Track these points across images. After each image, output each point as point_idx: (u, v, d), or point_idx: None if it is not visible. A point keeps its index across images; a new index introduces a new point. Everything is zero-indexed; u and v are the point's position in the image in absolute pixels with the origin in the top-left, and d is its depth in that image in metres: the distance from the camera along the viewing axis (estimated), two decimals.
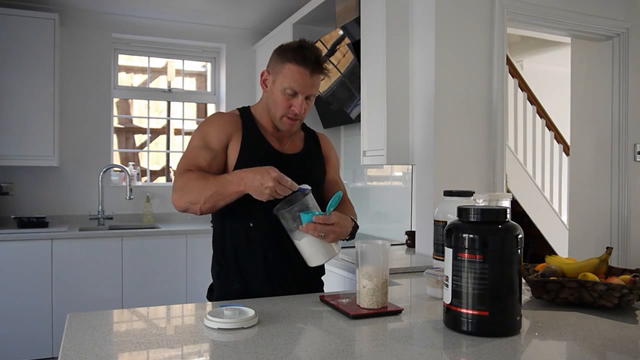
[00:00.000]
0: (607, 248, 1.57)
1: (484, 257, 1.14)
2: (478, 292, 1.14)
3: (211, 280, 1.76)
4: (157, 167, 4.84)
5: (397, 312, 1.34)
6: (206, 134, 1.61)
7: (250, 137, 1.63)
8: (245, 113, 1.70)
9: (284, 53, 1.60)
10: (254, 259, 1.63)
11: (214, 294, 1.72)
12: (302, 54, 1.56)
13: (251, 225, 1.60)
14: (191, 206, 1.50)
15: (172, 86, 4.72)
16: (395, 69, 2.66)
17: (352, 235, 1.61)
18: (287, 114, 1.61)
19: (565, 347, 1.19)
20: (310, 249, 1.49)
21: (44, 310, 3.44)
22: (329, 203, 1.49)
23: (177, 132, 4.85)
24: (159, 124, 4.85)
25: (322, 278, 1.80)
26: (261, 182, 1.42)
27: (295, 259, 1.56)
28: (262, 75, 1.66)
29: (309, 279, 1.72)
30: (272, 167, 1.45)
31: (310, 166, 1.73)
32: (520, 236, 1.17)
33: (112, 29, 4.28)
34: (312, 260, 1.52)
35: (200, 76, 4.93)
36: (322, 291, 1.76)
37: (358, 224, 1.68)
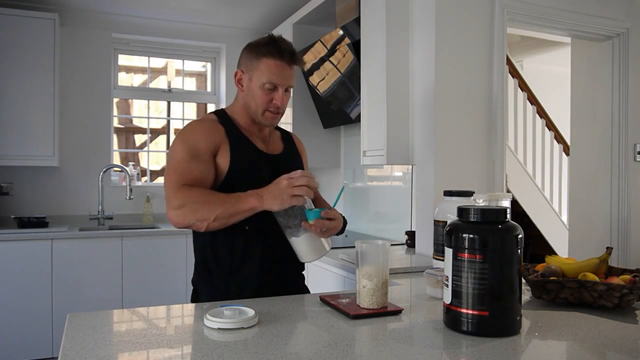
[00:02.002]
0: (607, 248, 1.57)
1: (484, 257, 1.14)
2: (478, 292, 1.14)
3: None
4: (157, 167, 4.84)
5: (397, 312, 1.34)
6: (193, 145, 1.54)
7: (238, 142, 1.59)
8: (223, 117, 1.64)
9: (256, 49, 1.59)
10: (251, 262, 1.60)
11: (201, 298, 1.65)
12: (276, 47, 1.57)
13: (247, 228, 1.57)
14: (197, 223, 1.45)
15: (172, 86, 4.72)
16: (395, 69, 2.66)
17: (342, 231, 1.63)
18: (269, 108, 1.60)
19: (565, 347, 1.19)
20: (308, 245, 1.51)
21: (44, 310, 3.44)
22: (336, 198, 1.54)
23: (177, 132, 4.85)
24: (159, 124, 4.85)
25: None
26: (277, 186, 1.44)
27: (290, 256, 1.58)
28: (235, 75, 1.64)
29: (297, 276, 1.75)
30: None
31: (293, 165, 1.73)
32: (520, 236, 1.17)
33: (112, 29, 4.28)
34: (308, 256, 1.54)
35: (200, 76, 4.93)
36: (305, 284, 1.78)
37: (347, 221, 1.70)
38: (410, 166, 2.90)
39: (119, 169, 4.34)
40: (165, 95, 4.68)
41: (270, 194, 1.44)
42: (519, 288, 1.17)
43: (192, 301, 1.66)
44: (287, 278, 1.69)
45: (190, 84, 4.87)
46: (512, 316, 1.17)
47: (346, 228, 1.69)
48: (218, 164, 1.56)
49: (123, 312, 1.63)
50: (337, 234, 1.63)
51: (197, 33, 4.53)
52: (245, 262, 1.60)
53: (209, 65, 4.83)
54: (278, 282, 1.65)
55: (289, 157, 1.74)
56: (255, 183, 1.52)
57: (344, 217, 1.66)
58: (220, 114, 1.66)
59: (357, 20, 2.90)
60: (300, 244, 1.52)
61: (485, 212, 1.17)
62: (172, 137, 4.83)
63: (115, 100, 4.53)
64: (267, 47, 1.57)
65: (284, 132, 1.81)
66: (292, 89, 1.66)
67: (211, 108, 4.86)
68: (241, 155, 1.58)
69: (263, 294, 1.55)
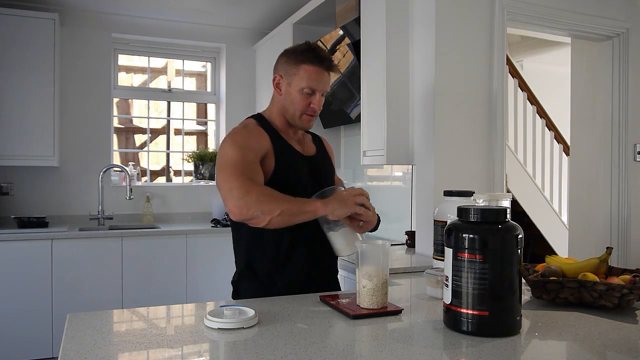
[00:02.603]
0: (607, 248, 1.57)
1: (484, 257, 1.14)
2: (478, 292, 1.14)
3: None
4: (157, 167, 4.84)
5: (397, 312, 1.34)
6: (244, 149, 1.57)
7: (280, 146, 1.65)
8: (263, 122, 1.70)
9: (295, 56, 1.66)
10: (297, 258, 1.64)
11: (242, 297, 1.69)
12: (315, 54, 1.64)
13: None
14: (261, 216, 1.44)
15: (172, 86, 4.72)
16: (395, 69, 2.66)
17: (375, 228, 1.68)
18: (306, 112, 1.66)
19: (565, 347, 1.19)
20: (345, 239, 1.54)
21: (44, 310, 3.43)
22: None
23: (177, 132, 4.85)
24: (159, 124, 4.85)
25: None
26: (341, 195, 1.49)
27: (331, 253, 1.62)
28: (274, 80, 1.71)
29: (335, 273, 1.80)
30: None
31: (326, 166, 1.82)
32: (520, 236, 1.17)
33: (112, 29, 4.28)
34: (345, 250, 1.57)
35: (200, 76, 4.93)
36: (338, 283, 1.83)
37: (380, 218, 1.74)
38: (410, 166, 2.90)
39: (119, 169, 4.34)
40: (165, 95, 4.68)
41: (336, 201, 1.48)
42: (519, 288, 1.17)
43: (233, 296, 1.73)
44: (329, 275, 1.76)
45: (190, 84, 4.87)
46: (512, 316, 1.17)
47: (379, 226, 1.73)
48: (263, 166, 1.61)
49: (123, 312, 1.64)
50: (372, 231, 1.68)
51: (197, 33, 4.53)
52: (291, 259, 1.64)
53: (209, 65, 4.83)
54: (321, 278, 1.70)
55: (322, 158, 1.80)
56: (296, 183, 1.62)
57: (377, 215, 1.70)
58: (259, 118, 1.71)
59: (357, 20, 2.90)
60: (338, 238, 1.55)
61: (485, 212, 1.17)
62: (172, 137, 4.84)
63: (115, 100, 4.53)
64: (307, 54, 1.64)
65: (314, 135, 1.88)
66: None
67: (211, 108, 4.86)
68: (284, 158, 1.64)
69: (307, 290, 1.60)
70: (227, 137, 1.63)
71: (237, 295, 1.71)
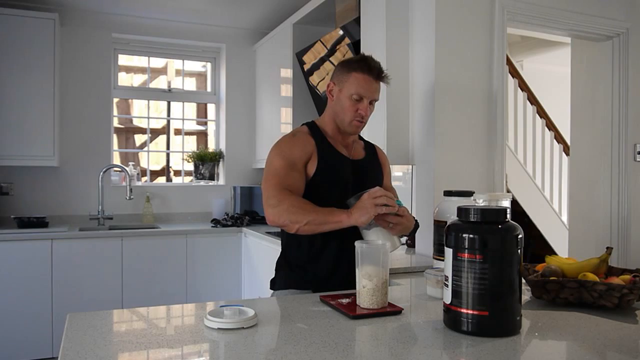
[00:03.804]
0: (607, 248, 1.57)
1: (484, 257, 1.14)
2: (478, 292, 1.14)
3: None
4: (157, 167, 4.84)
5: (397, 312, 1.34)
6: (289, 157, 1.70)
7: (325, 149, 1.76)
8: (313, 129, 1.81)
9: (348, 65, 1.77)
10: (329, 252, 1.73)
11: (277, 286, 1.81)
12: (366, 64, 1.74)
13: None
14: (290, 224, 1.59)
15: (172, 86, 4.72)
16: (395, 69, 2.66)
17: (413, 232, 1.72)
18: (355, 117, 1.75)
19: (565, 347, 1.19)
20: (376, 238, 1.55)
21: (44, 310, 3.44)
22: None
23: (177, 132, 4.85)
24: (159, 124, 4.85)
25: None
26: (361, 202, 1.53)
27: None
28: (328, 86, 1.81)
29: None
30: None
31: (373, 171, 1.88)
32: (520, 236, 1.17)
33: (112, 29, 4.28)
34: None
35: (200, 76, 4.93)
36: None
37: (419, 223, 1.77)
38: (410, 166, 2.90)
39: (119, 169, 4.34)
40: (165, 95, 4.68)
41: (357, 209, 1.54)
42: (519, 288, 1.17)
43: (271, 288, 1.84)
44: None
45: (190, 84, 4.87)
46: (512, 316, 1.17)
47: (418, 229, 1.77)
48: (307, 168, 1.74)
49: (123, 312, 1.64)
50: (409, 235, 1.69)
51: (197, 33, 4.53)
52: (323, 253, 1.74)
53: (209, 65, 4.83)
54: (349, 272, 1.70)
55: (370, 163, 1.88)
56: (336, 182, 1.73)
57: (416, 220, 1.72)
58: (311, 125, 1.83)
59: (357, 20, 2.90)
60: (371, 237, 1.57)
61: (485, 212, 1.17)
62: (172, 137, 4.84)
63: (115, 100, 4.53)
64: (358, 63, 1.75)
65: (367, 143, 1.95)
66: (375, 102, 1.80)
67: (211, 108, 4.86)
68: (326, 160, 1.75)
69: (334, 282, 1.70)
70: (275, 146, 1.76)
71: (272, 284, 1.82)
